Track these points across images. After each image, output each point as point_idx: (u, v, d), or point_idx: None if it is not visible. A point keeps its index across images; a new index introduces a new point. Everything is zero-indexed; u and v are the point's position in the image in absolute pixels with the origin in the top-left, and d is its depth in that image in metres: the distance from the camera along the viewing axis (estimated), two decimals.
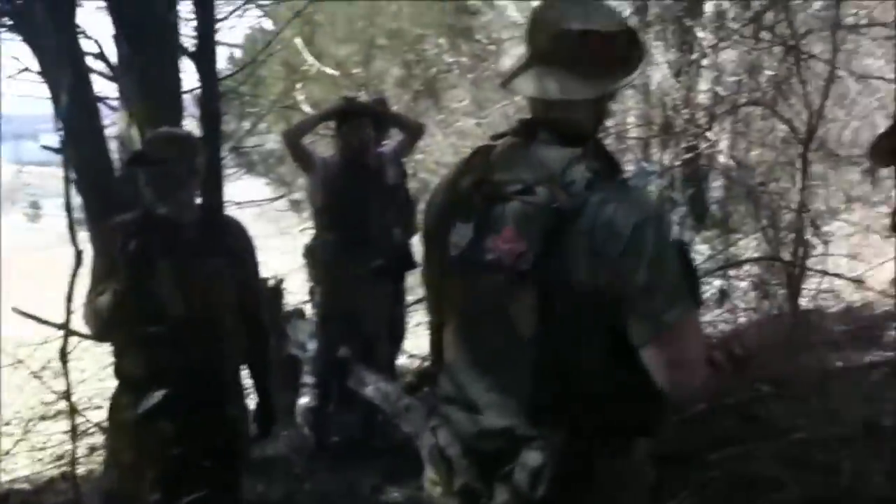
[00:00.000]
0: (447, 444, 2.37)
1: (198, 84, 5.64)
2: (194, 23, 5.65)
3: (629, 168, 7.92)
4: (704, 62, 11.60)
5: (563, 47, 2.24)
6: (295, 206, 18.62)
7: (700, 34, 11.68)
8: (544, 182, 2.16)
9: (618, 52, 2.28)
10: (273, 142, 16.43)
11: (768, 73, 9.44)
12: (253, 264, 3.93)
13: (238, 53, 18.59)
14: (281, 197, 17.13)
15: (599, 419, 2.18)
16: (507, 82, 2.36)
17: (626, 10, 12.71)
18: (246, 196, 12.16)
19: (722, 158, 10.98)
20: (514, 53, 14.26)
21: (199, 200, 3.82)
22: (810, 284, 7.45)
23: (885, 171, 8.17)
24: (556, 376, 2.17)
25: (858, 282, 6.86)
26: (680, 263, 2.17)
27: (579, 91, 2.26)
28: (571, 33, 2.22)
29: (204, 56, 5.73)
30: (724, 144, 11.12)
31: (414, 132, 6.76)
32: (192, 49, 5.68)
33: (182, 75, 5.89)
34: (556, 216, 2.11)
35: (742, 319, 7.69)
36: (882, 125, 10.67)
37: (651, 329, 2.11)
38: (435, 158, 14.29)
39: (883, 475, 4.66)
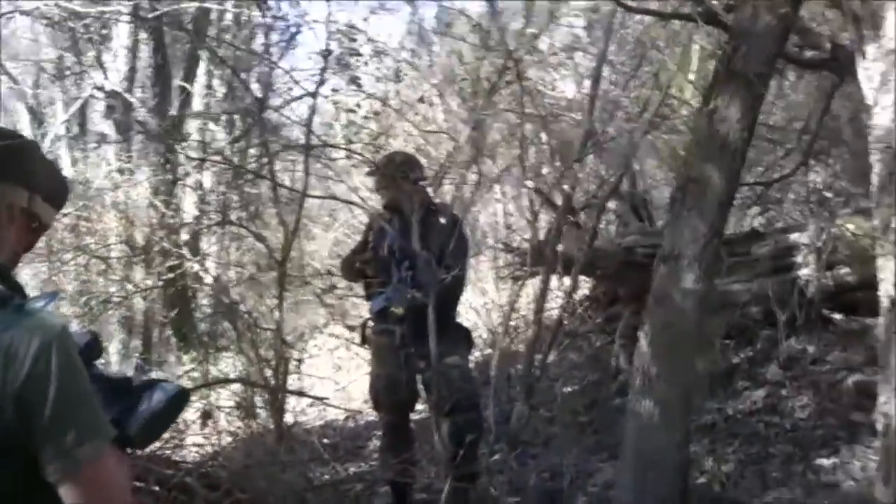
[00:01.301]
0: None
1: None
2: None
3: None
4: (189, 181, 11.57)
5: None
6: None
7: (183, 153, 11.65)
8: None
9: None
10: None
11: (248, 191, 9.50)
12: None
13: None
14: None
15: None
16: None
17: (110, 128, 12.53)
18: None
19: (208, 277, 10.90)
20: None
21: None
22: (294, 401, 7.46)
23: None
24: None
25: (321, 399, 6.94)
26: (100, 391, 2.02)
27: None
28: None
29: None
30: (210, 263, 11.08)
31: None
32: None
33: None
34: None
35: (227, 440, 7.56)
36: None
37: (64, 466, 1.91)
38: None
39: None
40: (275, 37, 14.51)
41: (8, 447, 1.90)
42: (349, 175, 7.49)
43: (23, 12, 12.13)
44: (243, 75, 12.36)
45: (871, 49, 2.77)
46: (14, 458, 1.92)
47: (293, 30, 13.38)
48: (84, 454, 1.91)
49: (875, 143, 2.70)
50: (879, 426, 2.61)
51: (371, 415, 8.24)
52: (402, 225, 5.82)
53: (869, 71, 2.78)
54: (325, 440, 7.74)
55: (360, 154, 6.47)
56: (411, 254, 5.69)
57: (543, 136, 8.93)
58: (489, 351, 7.87)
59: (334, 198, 7.14)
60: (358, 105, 6.93)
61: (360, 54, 6.61)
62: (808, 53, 6.32)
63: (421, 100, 7.71)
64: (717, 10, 5.25)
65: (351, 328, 6.29)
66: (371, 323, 6.11)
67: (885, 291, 2.65)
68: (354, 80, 6.23)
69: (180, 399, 2.18)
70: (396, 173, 5.93)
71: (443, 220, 5.84)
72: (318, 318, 10.21)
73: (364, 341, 6.24)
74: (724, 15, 5.26)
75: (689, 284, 4.75)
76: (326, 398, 7.10)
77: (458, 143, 6.45)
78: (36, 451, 1.91)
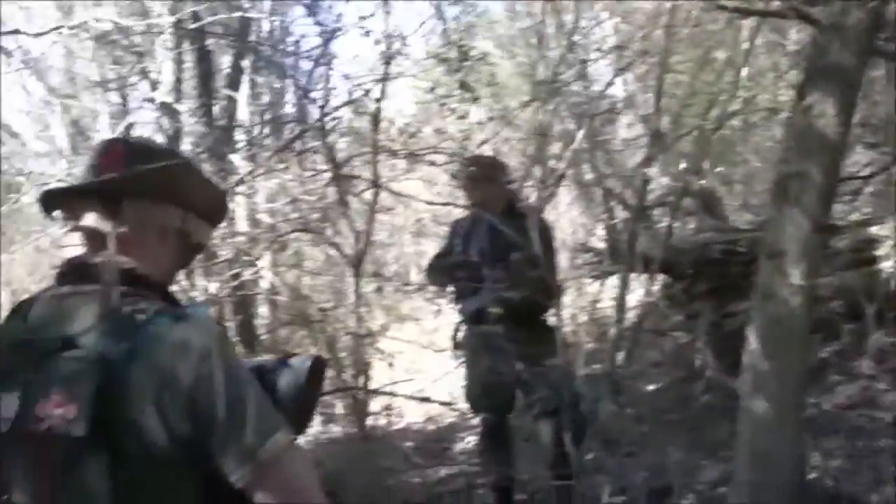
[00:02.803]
0: None
1: None
2: None
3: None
4: (241, 189, 11.60)
5: None
6: None
7: (236, 162, 11.71)
8: (89, 331, 1.91)
9: None
10: None
11: (309, 198, 9.49)
12: None
13: None
14: None
15: None
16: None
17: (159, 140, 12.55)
18: None
19: (264, 284, 10.93)
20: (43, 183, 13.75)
21: None
22: (373, 405, 7.49)
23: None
24: None
25: (425, 399, 6.96)
26: (269, 389, 2.03)
27: None
28: None
29: None
30: (268, 271, 11.11)
31: None
32: None
33: None
34: (108, 366, 1.85)
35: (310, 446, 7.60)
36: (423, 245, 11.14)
37: (250, 469, 1.89)
38: None
39: None
40: (314, 41, 14.70)
41: (184, 462, 1.90)
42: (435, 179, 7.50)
43: (72, 27, 12.28)
44: (288, 80, 12.48)
45: None
46: (188, 471, 1.92)
47: (333, 34, 13.48)
48: (266, 453, 1.89)
49: None
50: None
51: (452, 416, 8.27)
52: (490, 226, 5.81)
53: None
54: (408, 443, 7.75)
55: (449, 153, 6.45)
56: (503, 255, 5.70)
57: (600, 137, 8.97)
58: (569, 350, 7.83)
59: (426, 201, 7.13)
60: (466, 112, 6.90)
61: (466, 59, 6.58)
62: None
63: (527, 104, 7.67)
64: (804, 6, 5.28)
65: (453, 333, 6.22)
66: (463, 326, 6.11)
67: None
68: (466, 86, 6.20)
69: (318, 367, 2.17)
70: (483, 175, 5.94)
71: (530, 221, 5.83)
72: (386, 322, 10.27)
73: (456, 345, 6.22)
74: (811, 11, 5.28)
75: (796, 280, 4.75)
76: (430, 398, 7.11)
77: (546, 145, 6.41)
78: (215, 462, 1.90)
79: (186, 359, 1.87)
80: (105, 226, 2.07)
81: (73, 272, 2.07)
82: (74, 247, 2.11)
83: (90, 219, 2.09)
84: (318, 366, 2.16)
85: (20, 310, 2.08)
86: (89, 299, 1.96)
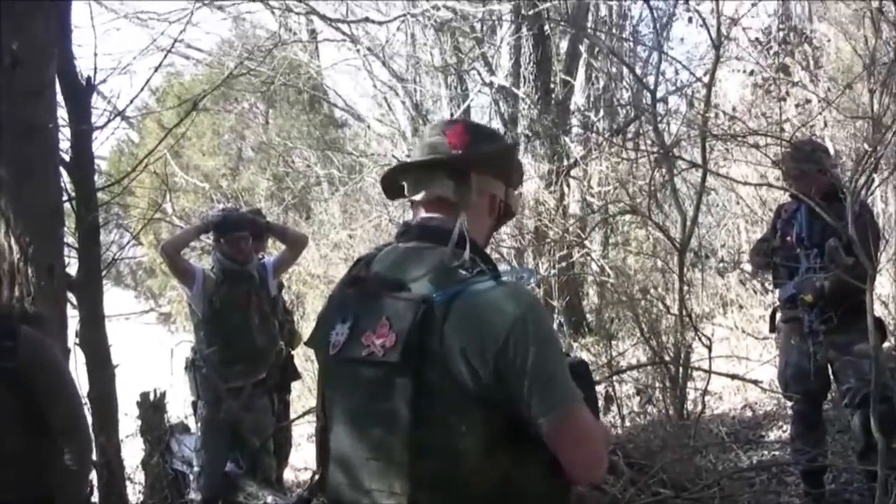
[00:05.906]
0: None
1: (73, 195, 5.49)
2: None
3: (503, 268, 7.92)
4: (574, 172, 11.83)
5: None
6: (164, 319, 18.13)
7: (570, 145, 11.96)
8: (418, 279, 2.25)
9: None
10: (141, 254, 16.02)
11: (640, 182, 9.57)
12: (52, 381, 3.59)
13: (103, 165, 18.13)
14: (151, 310, 16.69)
15: None
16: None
17: (496, 123, 12.97)
18: (114, 309, 11.88)
19: (594, 266, 11.11)
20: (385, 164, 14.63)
21: None
22: (690, 388, 7.50)
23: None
24: (435, 473, 2.16)
25: (755, 382, 6.93)
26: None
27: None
28: None
29: (80, 166, 5.56)
30: (596, 253, 11.29)
31: (297, 243, 6.67)
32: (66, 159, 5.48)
33: None
34: (429, 310, 2.16)
35: (627, 424, 7.72)
36: (747, 230, 10.99)
37: (552, 414, 2.13)
38: (308, 270, 14.20)
39: None
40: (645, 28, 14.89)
41: (480, 400, 2.15)
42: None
43: (415, 14, 12.96)
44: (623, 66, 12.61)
45: None
46: (483, 412, 2.17)
47: (670, 19, 13.55)
48: (569, 407, 2.16)
49: None
50: None
51: (770, 405, 8.17)
52: (810, 212, 5.72)
53: None
54: (723, 428, 7.73)
55: (774, 137, 6.34)
56: (821, 240, 5.61)
57: None
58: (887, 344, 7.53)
59: (733, 179, 7.06)
60: (787, 93, 6.79)
61: (788, 42, 6.47)
62: None
63: (849, 86, 7.45)
64: None
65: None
66: (780, 311, 6.07)
67: None
68: (784, 69, 6.10)
69: (581, 369, 2.38)
70: (804, 159, 5.84)
71: (852, 208, 5.67)
72: (708, 307, 10.22)
73: (773, 329, 6.19)
74: None
75: None
76: (740, 376, 7.07)
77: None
78: (517, 407, 2.15)
79: (501, 319, 2.14)
80: (454, 195, 2.40)
81: (414, 232, 2.41)
82: (421, 212, 2.46)
83: (438, 189, 2.42)
84: (580, 367, 2.40)
85: (364, 258, 2.49)
86: (426, 254, 2.32)
